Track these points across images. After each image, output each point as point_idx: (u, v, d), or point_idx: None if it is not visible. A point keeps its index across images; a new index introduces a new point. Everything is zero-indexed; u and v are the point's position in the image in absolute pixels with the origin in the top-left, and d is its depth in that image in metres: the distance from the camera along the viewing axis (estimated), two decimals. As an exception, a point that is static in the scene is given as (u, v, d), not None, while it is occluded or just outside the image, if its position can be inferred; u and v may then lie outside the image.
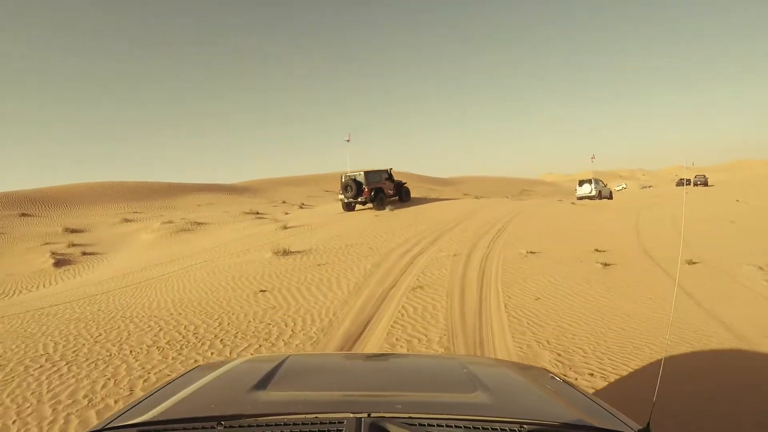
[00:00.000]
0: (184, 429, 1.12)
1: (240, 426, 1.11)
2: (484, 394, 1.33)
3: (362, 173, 16.07)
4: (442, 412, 1.17)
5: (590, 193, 28.23)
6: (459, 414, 1.15)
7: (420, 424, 1.09)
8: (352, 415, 1.11)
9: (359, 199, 15.97)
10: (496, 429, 1.09)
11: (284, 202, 31.00)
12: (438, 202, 20.59)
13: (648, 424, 1.13)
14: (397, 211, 16.57)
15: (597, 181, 29.36)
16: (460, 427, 1.09)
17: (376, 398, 1.34)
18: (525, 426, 1.09)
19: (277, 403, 1.30)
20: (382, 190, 16.58)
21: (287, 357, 1.82)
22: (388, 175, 17.42)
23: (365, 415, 1.11)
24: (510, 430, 1.08)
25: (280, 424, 1.10)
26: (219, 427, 1.10)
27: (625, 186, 71.49)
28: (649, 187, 70.93)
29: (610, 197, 29.68)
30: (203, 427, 1.11)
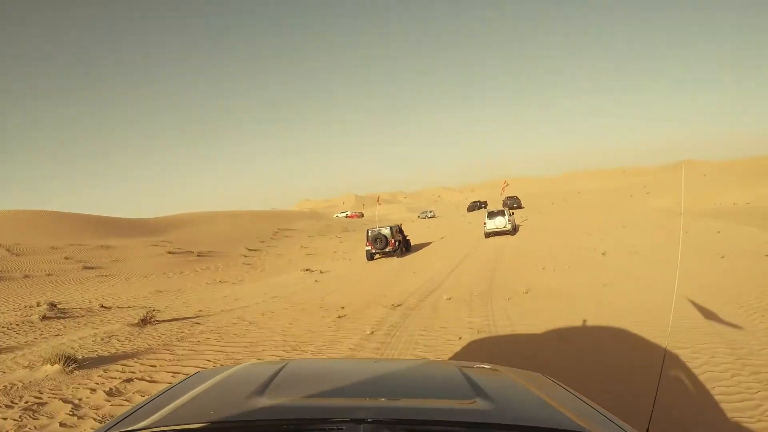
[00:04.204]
0: None
1: None
2: (483, 400, 1.32)
3: (389, 228, 20.12)
4: (441, 418, 1.17)
5: (504, 227, 21.96)
6: (458, 420, 1.15)
7: (419, 430, 1.09)
8: (351, 420, 1.11)
9: (386, 250, 19.70)
10: None
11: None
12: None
13: (647, 430, 1.14)
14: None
15: (509, 211, 23.44)
16: None
17: (376, 404, 1.34)
18: None
19: (275, 409, 1.28)
20: (401, 241, 20.65)
21: (287, 363, 1.82)
22: (399, 229, 21.35)
23: (364, 421, 1.10)
24: None
25: (280, 430, 1.10)
26: None
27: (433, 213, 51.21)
28: (431, 214, 50.45)
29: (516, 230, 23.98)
30: None
